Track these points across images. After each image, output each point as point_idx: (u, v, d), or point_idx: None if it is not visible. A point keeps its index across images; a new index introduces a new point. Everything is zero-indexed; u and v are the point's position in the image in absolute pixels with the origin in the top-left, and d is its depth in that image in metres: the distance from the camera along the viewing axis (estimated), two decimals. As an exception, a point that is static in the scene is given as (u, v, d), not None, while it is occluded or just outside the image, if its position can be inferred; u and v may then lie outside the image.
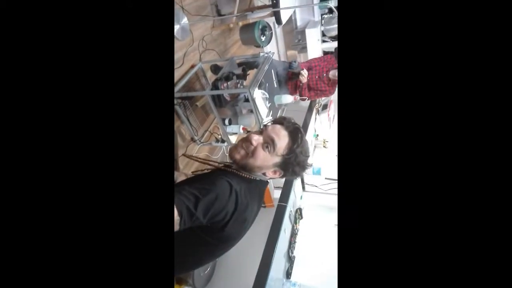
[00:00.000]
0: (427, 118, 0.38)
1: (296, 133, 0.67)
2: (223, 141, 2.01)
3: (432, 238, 0.37)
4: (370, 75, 0.40)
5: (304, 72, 1.94)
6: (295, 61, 1.99)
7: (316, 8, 3.00)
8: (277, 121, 0.71)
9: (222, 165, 0.77)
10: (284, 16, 2.19)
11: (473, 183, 0.36)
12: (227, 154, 0.73)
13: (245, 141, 0.68)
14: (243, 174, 0.68)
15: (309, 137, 2.58)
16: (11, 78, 0.36)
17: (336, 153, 2.89)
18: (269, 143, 0.65)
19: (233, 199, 0.59)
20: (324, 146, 2.99)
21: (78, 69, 0.38)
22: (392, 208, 0.39)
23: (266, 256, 1.56)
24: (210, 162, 0.80)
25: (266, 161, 0.66)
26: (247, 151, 0.67)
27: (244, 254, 1.51)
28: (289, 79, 2.08)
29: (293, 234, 1.98)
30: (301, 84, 2.02)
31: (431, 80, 0.38)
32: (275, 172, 0.70)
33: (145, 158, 0.40)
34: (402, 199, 0.38)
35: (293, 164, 0.67)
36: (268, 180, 0.74)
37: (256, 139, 0.66)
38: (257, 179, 0.70)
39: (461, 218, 0.37)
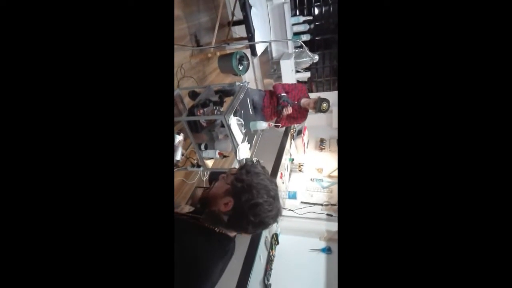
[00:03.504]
0: (426, 118, 0.38)
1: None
2: (199, 166, 2.01)
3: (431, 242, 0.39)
4: (369, 73, 0.41)
5: (289, 108, 2.02)
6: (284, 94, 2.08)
7: (290, 41, 3.24)
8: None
9: (191, 215, 0.74)
10: (259, 48, 2.34)
11: (472, 184, 0.36)
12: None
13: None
14: (217, 230, 0.70)
15: (284, 160, 2.64)
16: (12, 78, 0.37)
17: (310, 178, 2.96)
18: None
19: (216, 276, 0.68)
20: (299, 170, 3.07)
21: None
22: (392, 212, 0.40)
23: (240, 284, 1.52)
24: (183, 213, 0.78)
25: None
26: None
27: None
28: (274, 108, 2.14)
29: (269, 261, 1.96)
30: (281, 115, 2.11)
31: (429, 80, 0.38)
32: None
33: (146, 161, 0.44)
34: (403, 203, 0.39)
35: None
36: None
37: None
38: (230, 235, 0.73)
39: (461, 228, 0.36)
